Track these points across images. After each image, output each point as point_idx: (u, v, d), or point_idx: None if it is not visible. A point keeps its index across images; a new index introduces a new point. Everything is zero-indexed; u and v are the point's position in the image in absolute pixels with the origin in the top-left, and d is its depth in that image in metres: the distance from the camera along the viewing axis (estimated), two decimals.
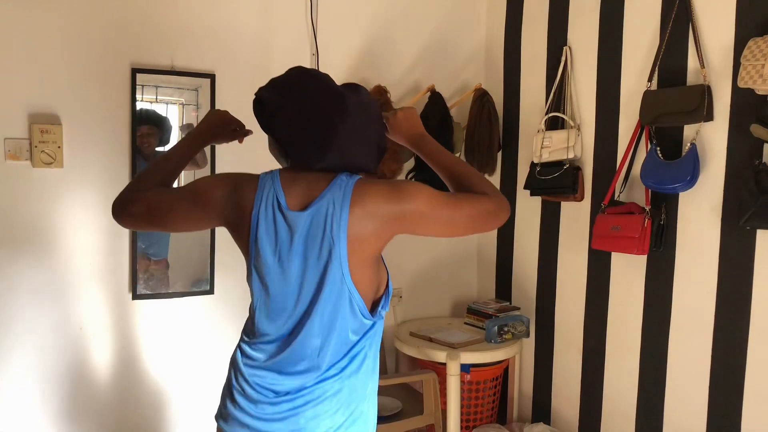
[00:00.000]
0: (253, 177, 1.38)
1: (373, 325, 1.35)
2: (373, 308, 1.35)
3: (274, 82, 1.37)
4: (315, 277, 1.29)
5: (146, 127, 2.41)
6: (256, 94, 1.36)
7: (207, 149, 2.46)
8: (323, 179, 1.32)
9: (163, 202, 1.38)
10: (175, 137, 2.46)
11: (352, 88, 1.38)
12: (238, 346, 1.40)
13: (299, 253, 1.29)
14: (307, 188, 1.32)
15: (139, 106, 2.37)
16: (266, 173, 1.37)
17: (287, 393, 1.31)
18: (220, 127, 1.56)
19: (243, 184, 1.36)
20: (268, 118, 1.33)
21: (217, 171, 2.48)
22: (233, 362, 1.40)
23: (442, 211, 1.30)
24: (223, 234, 2.50)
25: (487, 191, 1.36)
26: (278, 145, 1.36)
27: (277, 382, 1.31)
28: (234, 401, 1.35)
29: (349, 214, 1.26)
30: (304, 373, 1.30)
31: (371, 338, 1.36)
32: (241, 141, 1.60)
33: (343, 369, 1.31)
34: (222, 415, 1.39)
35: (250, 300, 1.39)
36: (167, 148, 2.41)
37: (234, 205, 1.35)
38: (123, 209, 1.38)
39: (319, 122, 1.30)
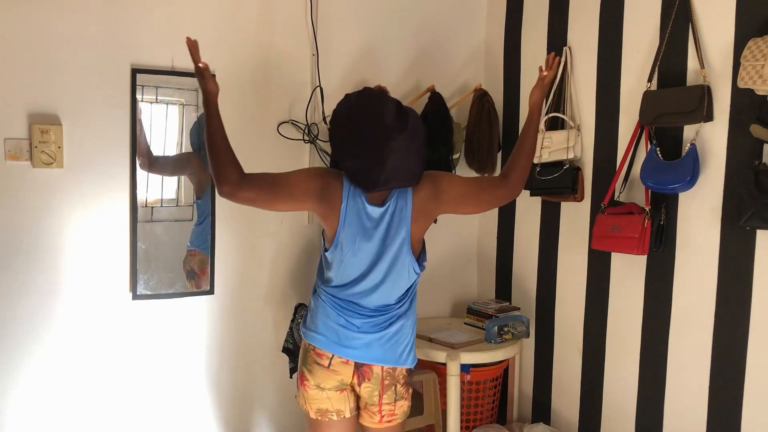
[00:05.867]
0: (338, 176, 1.86)
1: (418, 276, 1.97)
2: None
3: (347, 113, 1.82)
4: (391, 252, 1.86)
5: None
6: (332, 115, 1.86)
7: None
8: None
9: (267, 192, 1.79)
10: (179, 139, 2.47)
11: (400, 119, 1.77)
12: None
13: (380, 235, 1.85)
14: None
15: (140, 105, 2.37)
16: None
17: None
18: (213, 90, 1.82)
19: (331, 182, 1.84)
20: (336, 149, 1.83)
21: None
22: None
23: (467, 196, 1.93)
24: (223, 234, 2.51)
25: (515, 181, 1.97)
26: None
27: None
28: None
29: (412, 209, 1.86)
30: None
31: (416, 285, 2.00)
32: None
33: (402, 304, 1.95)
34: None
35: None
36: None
37: (326, 198, 1.83)
38: (235, 195, 1.73)
39: (373, 163, 1.76)
